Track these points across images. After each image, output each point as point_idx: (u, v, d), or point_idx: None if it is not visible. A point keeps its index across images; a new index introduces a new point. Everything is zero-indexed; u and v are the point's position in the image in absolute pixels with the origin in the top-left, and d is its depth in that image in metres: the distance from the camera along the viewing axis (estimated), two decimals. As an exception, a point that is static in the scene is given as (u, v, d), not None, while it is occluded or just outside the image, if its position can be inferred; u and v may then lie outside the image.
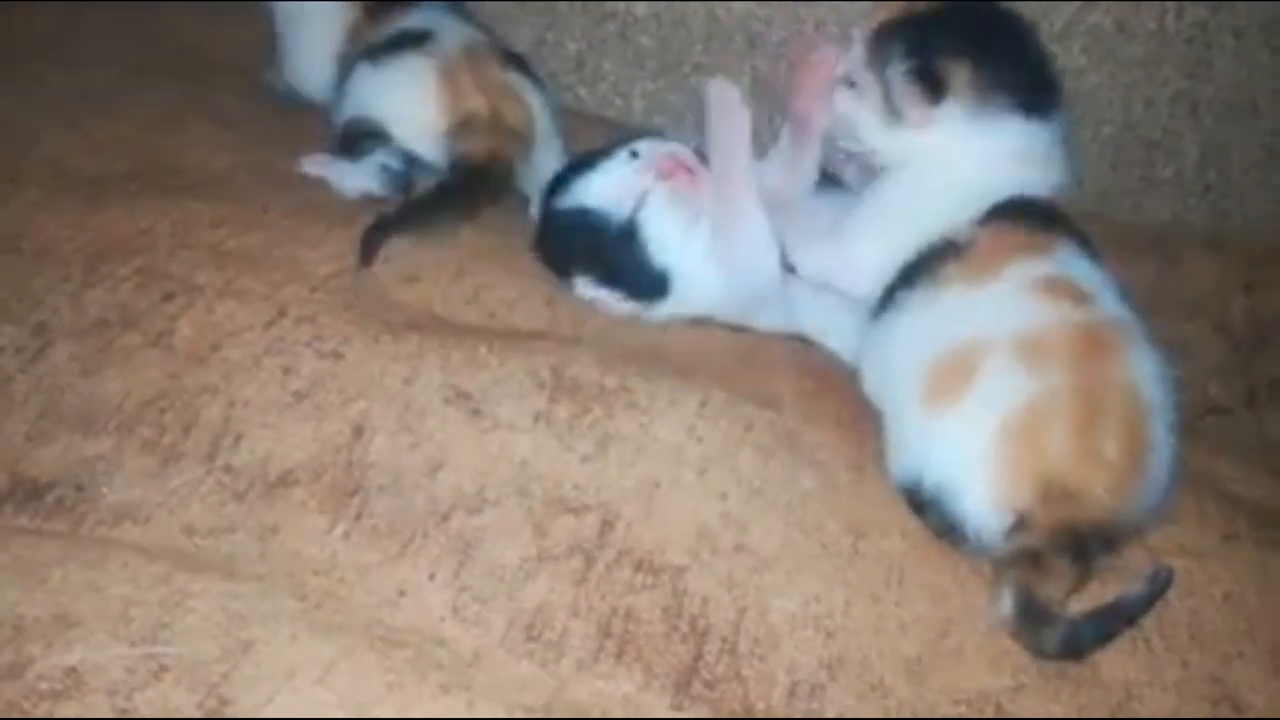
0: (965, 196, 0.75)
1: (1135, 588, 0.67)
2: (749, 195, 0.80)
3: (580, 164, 0.85)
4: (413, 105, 0.91)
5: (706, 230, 0.81)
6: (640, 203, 0.81)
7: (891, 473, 0.72)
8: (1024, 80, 0.77)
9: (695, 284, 0.82)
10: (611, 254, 0.81)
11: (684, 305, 0.83)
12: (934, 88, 0.76)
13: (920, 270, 0.73)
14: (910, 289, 0.73)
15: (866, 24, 0.80)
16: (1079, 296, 0.70)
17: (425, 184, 0.90)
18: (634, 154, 0.83)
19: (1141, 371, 0.69)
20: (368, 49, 0.95)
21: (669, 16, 1.14)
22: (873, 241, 0.78)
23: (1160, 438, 0.68)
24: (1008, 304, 0.70)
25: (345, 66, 0.97)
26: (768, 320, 0.85)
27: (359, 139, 0.91)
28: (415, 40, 0.94)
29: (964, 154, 0.77)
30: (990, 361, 0.68)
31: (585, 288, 0.83)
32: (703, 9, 1.13)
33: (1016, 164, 0.76)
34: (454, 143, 0.90)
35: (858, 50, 0.79)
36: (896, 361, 0.72)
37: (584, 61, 1.17)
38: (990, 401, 0.67)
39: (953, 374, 0.68)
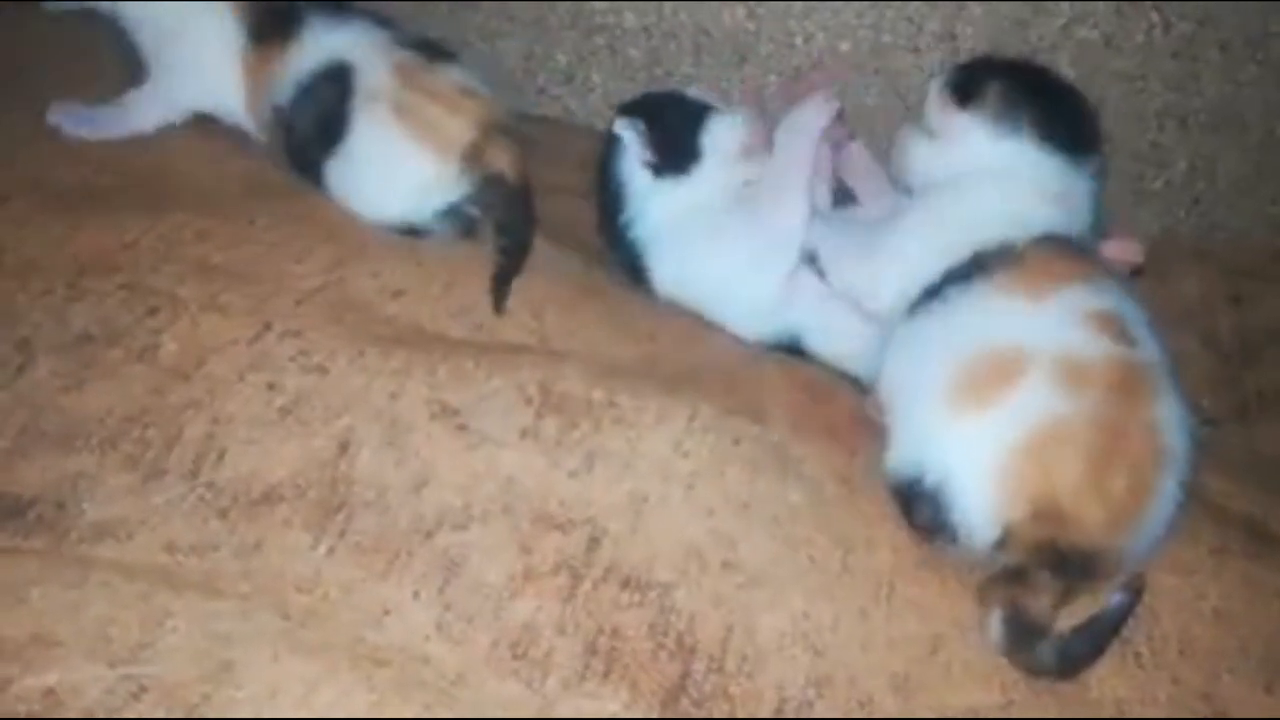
0: (988, 222, 0.76)
1: (1115, 598, 0.66)
2: (801, 186, 0.84)
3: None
4: (410, 181, 0.84)
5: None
6: (723, 103, 0.91)
7: (889, 465, 0.72)
8: (1050, 115, 0.80)
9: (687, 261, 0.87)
10: (675, 118, 0.88)
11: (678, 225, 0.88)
12: (962, 95, 0.81)
13: (974, 270, 0.74)
14: (964, 284, 0.73)
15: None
16: (1124, 334, 0.70)
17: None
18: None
19: (1168, 419, 0.68)
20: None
21: (658, 29, 1.14)
22: (899, 260, 0.79)
23: (1169, 488, 0.68)
24: (1057, 325, 0.70)
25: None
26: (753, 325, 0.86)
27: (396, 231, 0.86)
28: (338, 79, 0.84)
29: (985, 174, 0.79)
30: (1028, 375, 0.68)
31: (628, 130, 0.89)
32: (692, 22, 1.14)
33: (1038, 198, 0.77)
34: (472, 173, 0.85)
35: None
36: (927, 355, 0.72)
37: (574, 74, 1.17)
38: (1018, 413, 0.67)
39: (987, 379, 0.68)
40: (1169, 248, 1.09)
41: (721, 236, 0.86)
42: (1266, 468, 0.88)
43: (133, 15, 0.91)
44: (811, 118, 0.85)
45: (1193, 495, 0.73)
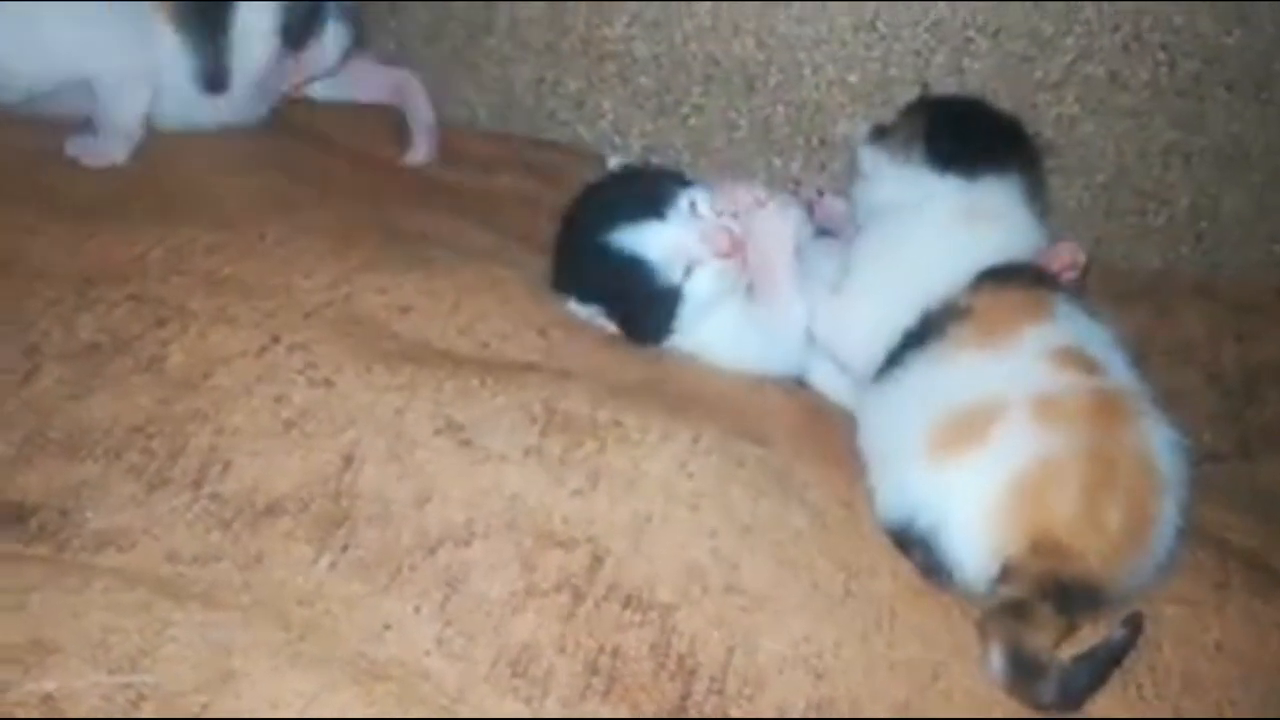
0: (925, 250, 0.79)
1: (1116, 632, 0.66)
2: (790, 287, 0.82)
3: (639, 203, 0.82)
4: None
5: (735, 302, 0.83)
6: (691, 271, 0.81)
7: (878, 513, 0.72)
8: (937, 138, 0.84)
9: (701, 343, 0.84)
10: (643, 305, 0.82)
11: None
12: (876, 132, 0.88)
13: (928, 332, 0.74)
14: (920, 349, 0.74)
15: None
16: (1091, 365, 0.71)
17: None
18: (692, 204, 0.82)
19: (1157, 443, 0.69)
20: None
21: (668, 58, 1.16)
22: (861, 295, 0.81)
23: (1168, 514, 0.68)
24: (1026, 367, 0.71)
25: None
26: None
27: None
28: None
29: (914, 204, 0.82)
30: (1006, 418, 0.68)
31: (585, 311, 0.84)
32: (701, 51, 1.15)
33: (961, 221, 0.80)
34: None
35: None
36: (904, 411, 0.73)
37: (584, 100, 1.19)
38: (1004, 454, 0.68)
39: (966, 426, 0.69)
40: (1171, 283, 1.10)
41: (733, 337, 0.84)
42: (1268, 503, 0.88)
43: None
44: (777, 230, 0.82)
45: (1195, 529, 0.74)
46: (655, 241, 0.81)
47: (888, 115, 1.13)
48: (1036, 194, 0.85)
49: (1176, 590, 0.72)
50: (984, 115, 0.89)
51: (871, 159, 0.88)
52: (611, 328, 0.84)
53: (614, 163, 0.90)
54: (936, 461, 0.69)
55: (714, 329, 0.84)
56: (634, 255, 0.81)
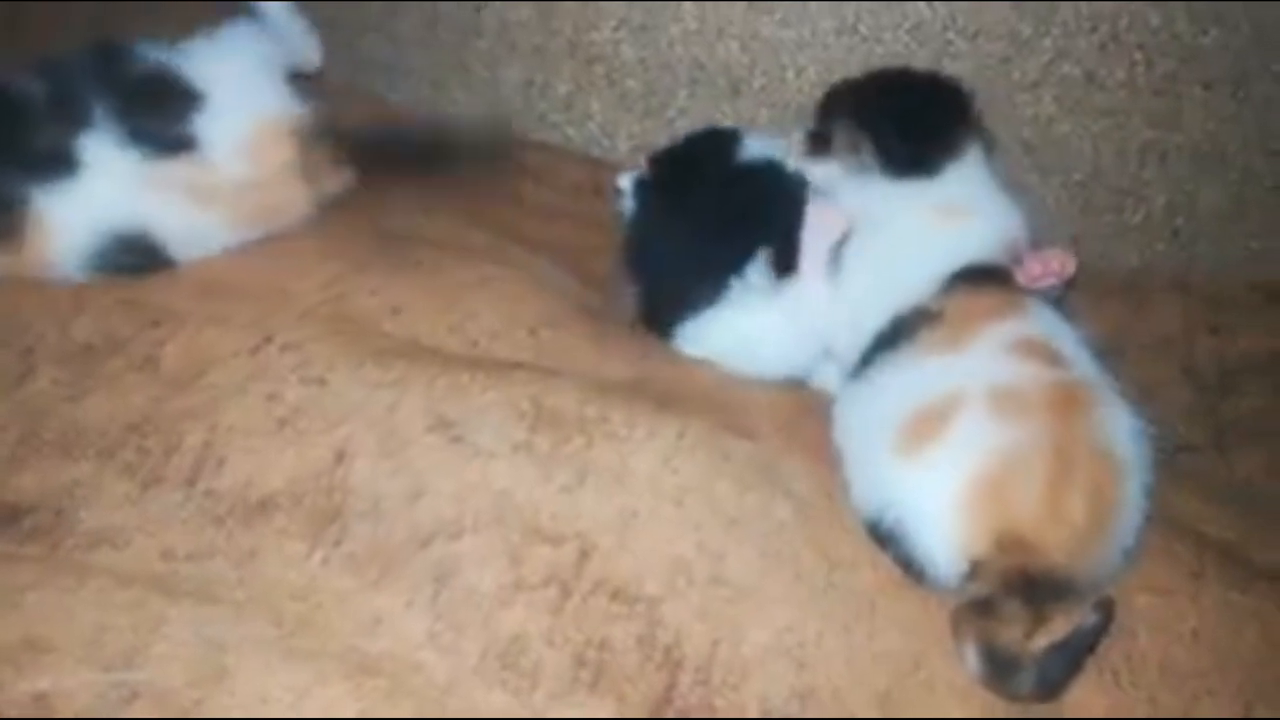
0: (905, 254, 0.79)
1: (1088, 618, 0.67)
2: (821, 272, 0.83)
3: (712, 137, 0.85)
4: None
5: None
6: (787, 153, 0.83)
7: (855, 508, 0.73)
8: (883, 145, 0.80)
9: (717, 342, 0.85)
10: (796, 213, 0.82)
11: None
12: (813, 144, 0.83)
13: (899, 335, 0.75)
14: (891, 351, 0.74)
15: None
16: (1053, 357, 0.71)
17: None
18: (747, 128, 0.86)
19: (1117, 432, 0.69)
20: None
21: (655, 61, 1.17)
22: (849, 296, 0.80)
23: (1132, 500, 0.68)
24: (985, 361, 0.71)
25: None
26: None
27: None
28: None
29: (870, 213, 0.81)
30: (965, 412, 0.69)
31: (750, 292, 0.83)
32: (687, 55, 1.16)
33: (938, 217, 0.79)
34: None
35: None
36: (874, 410, 0.73)
37: (573, 103, 1.19)
38: (962, 449, 0.68)
39: (926, 426, 0.69)
40: (1148, 279, 1.11)
41: (755, 330, 0.85)
42: (1243, 494, 0.89)
43: None
44: (830, 219, 0.83)
45: (1170, 520, 0.75)
46: (760, 145, 0.85)
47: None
48: (988, 152, 0.83)
49: (1152, 580, 0.73)
50: (915, 101, 0.83)
51: (819, 174, 0.83)
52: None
53: (624, 181, 0.88)
54: (901, 459, 0.70)
55: (734, 325, 0.84)
56: (769, 163, 0.83)
